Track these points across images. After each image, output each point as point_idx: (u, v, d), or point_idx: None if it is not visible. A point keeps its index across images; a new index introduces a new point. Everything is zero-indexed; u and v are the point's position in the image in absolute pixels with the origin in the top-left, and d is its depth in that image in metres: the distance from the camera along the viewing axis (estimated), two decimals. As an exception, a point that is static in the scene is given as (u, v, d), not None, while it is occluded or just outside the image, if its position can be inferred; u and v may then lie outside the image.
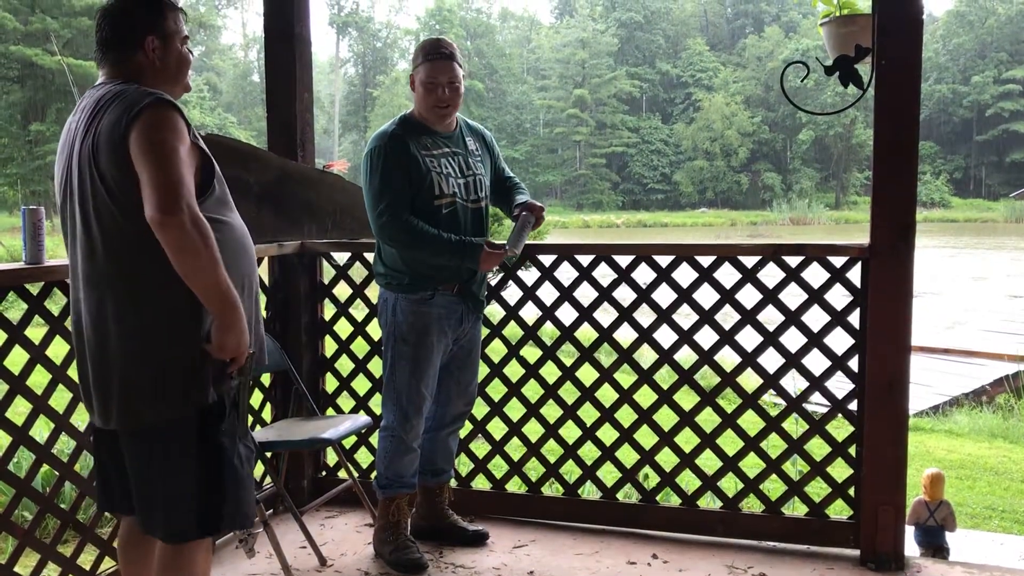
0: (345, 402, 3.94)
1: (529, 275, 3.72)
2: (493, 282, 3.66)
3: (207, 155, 2.15)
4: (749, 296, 3.36)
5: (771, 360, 3.38)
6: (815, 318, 3.28)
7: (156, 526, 2.18)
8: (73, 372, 2.81)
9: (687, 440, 3.49)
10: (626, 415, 3.53)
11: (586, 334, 3.62)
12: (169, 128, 2.02)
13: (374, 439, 3.83)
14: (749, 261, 3.36)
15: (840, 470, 3.32)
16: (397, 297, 3.14)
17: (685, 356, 3.51)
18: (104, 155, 2.04)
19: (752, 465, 3.45)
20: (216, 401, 2.15)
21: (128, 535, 2.35)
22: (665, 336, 3.48)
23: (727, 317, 3.40)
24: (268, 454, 3.29)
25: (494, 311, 3.77)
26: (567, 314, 3.58)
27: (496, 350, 3.64)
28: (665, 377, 3.63)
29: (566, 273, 3.55)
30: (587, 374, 3.57)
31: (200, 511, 2.15)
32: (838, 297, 3.23)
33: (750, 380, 3.53)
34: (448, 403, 3.33)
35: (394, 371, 3.17)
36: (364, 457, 3.89)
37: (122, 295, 2.09)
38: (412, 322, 3.12)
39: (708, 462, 3.51)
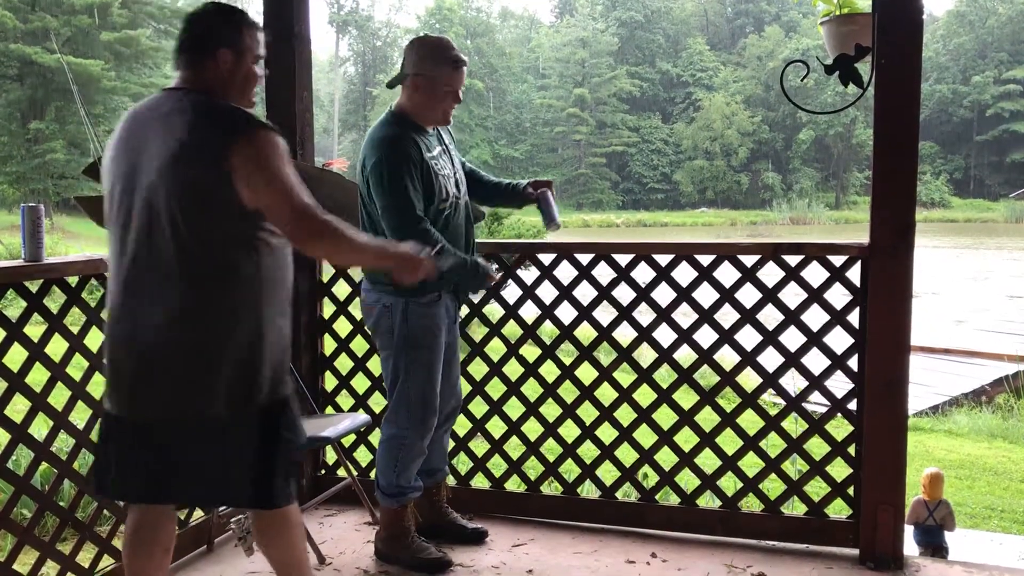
0: (344, 400, 3.93)
1: (528, 274, 3.71)
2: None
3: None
4: (749, 295, 3.36)
5: (771, 359, 3.38)
6: (815, 317, 3.28)
7: (243, 500, 2.37)
8: (72, 370, 2.82)
9: (686, 439, 3.48)
10: (625, 414, 3.52)
11: (585, 333, 3.62)
12: (275, 146, 2.20)
13: (373, 438, 3.83)
14: (749, 260, 3.36)
15: (839, 469, 3.32)
16: (407, 302, 3.04)
17: (684, 355, 3.51)
18: (197, 163, 2.13)
19: (751, 464, 3.45)
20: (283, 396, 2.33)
21: (140, 524, 2.37)
22: (664, 335, 3.48)
23: (727, 316, 3.40)
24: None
25: (493, 310, 3.77)
26: (566, 313, 3.58)
27: (495, 349, 3.64)
28: (664, 376, 3.63)
29: (565, 272, 3.55)
30: (586, 373, 3.57)
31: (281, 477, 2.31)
32: (838, 296, 3.23)
33: (750, 379, 3.53)
34: (443, 402, 3.29)
35: (408, 378, 3.09)
36: (363, 455, 3.89)
37: (205, 294, 2.18)
38: (426, 325, 3.07)
39: (707, 461, 3.51)
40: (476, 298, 3.50)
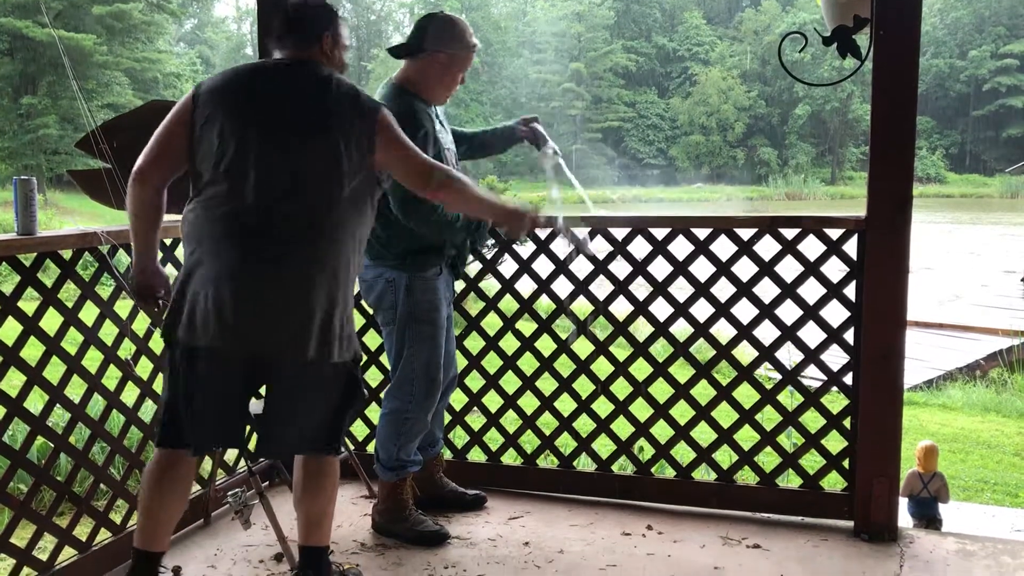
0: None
1: (525, 249, 3.70)
2: (489, 256, 3.65)
3: None
4: (745, 269, 3.36)
5: (767, 333, 3.38)
6: (811, 291, 3.28)
7: (320, 444, 2.57)
8: (67, 344, 2.81)
9: (682, 412, 3.49)
10: (621, 388, 3.53)
11: (581, 307, 3.61)
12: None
13: (370, 412, 3.83)
14: (745, 233, 3.36)
15: (835, 442, 3.33)
16: (410, 276, 3.05)
17: (681, 329, 3.51)
18: (351, 129, 2.41)
19: (747, 437, 3.46)
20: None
21: (173, 463, 2.46)
22: (661, 309, 3.48)
23: (723, 290, 3.39)
24: (263, 426, 3.28)
25: (490, 284, 3.76)
26: (562, 287, 3.57)
27: (492, 323, 3.63)
28: (660, 350, 3.63)
29: (561, 246, 3.53)
30: (582, 347, 3.57)
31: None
32: (834, 270, 3.23)
33: (746, 353, 3.53)
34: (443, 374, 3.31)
35: (414, 352, 3.10)
36: (359, 430, 3.89)
37: (346, 248, 2.43)
38: (429, 299, 3.08)
39: (703, 434, 3.52)
40: (473, 270, 3.47)
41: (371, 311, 3.29)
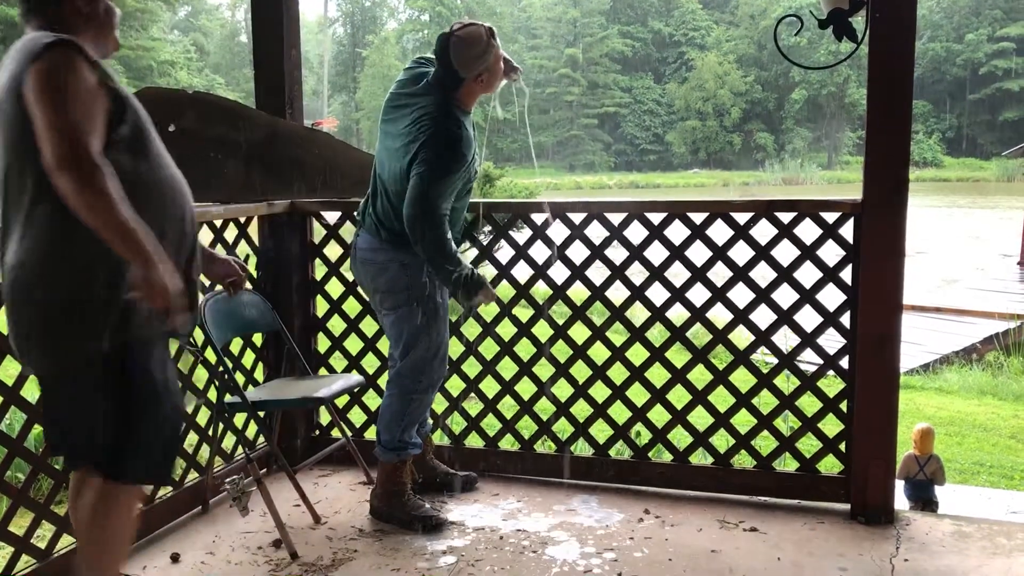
0: (337, 362, 3.93)
1: (521, 234, 3.70)
2: (485, 242, 3.64)
3: (121, 98, 2.08)
4: (742, 253, 3.36)
5: (763, 317, 3.39)
6: (807, 274, 3.27)
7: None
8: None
9: (679, 397, 3.50)
10: (618, 373, 3.53)
11: (578, 293, 3.61)
12: (67, 70, 1.96)
13: (367, 398, 3.84)
14: (742, 218, 3.35)
15: (831, 426, 3.34)
16: (417, 260, 3.07)
17: (677, 314, 3.51)
18: (9, 104, 2.00)
19: (744, 421, 3.47)
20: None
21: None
22: (657, 294, 3.47)
23: (719, 274, 3.39)
24: (261, 413, 3.29)
25: (486, 271, 3.75)
26: (559, 273, 3.57)
27: (488, 309, 3.63)
28: (657, 335, 3.64)
29: (558, 232, 3.53)
30: (579, 332, 3.57)
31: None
32: (831, 254, 3.23)
33: (742, 337, 3.54)
34: None
35: (430, 333, 3.14)
36: (357, 416, 3.90)
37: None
38: (437, 284, 3.15)
39: (700, 419, 3.53)
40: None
41: (371, 293, 3.25)
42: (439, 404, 3.62)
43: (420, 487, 3.40)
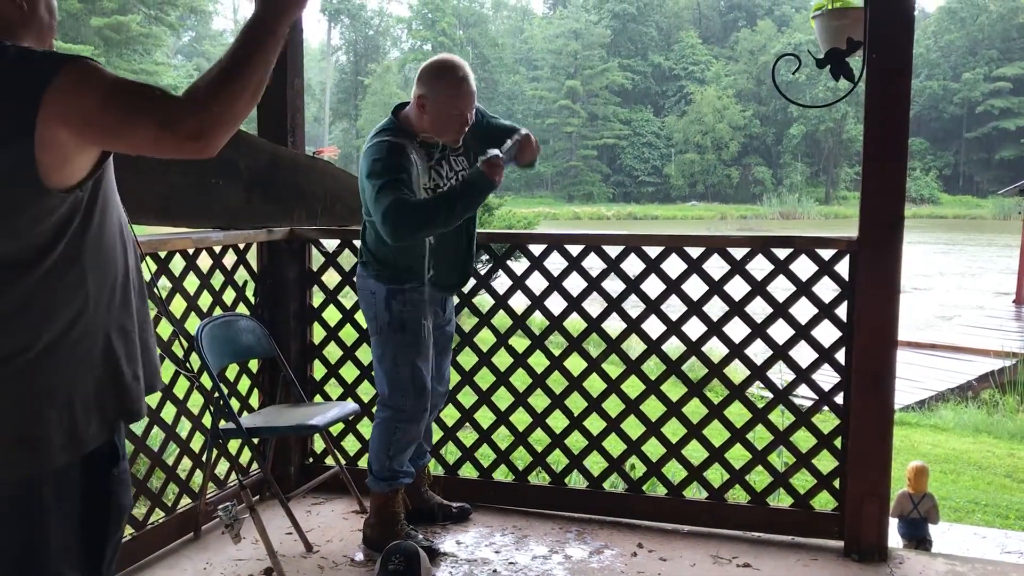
0: (333, 389, 3.93)
1: (519, 265, 3.72)
2: (483, 272, 3.66)
3: None
4: (737, 288, 3.37)
5: (758, 352, 3.40)
6: (803, 310, 3.29)
7: None
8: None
9: (674, 431, 3.50)
10: (613, 405, 3.53)
11: (575, 324, 3.62)
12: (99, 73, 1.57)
13: (363, 427, 3.83)
14: (738, 253, 3.37)
15: (825, 462, 3.34)
16: (388, 289, 3.09)
17: (673, 347, 3.52)
18: None
19: (738, 456, 3.46)
20: None
21: None
22: (653, 327, 3.49)
23: (715, 309, 3.41)
24: (255, 440, 3.28)
25: (483, 300, 3.77)
26: (556, 304, 3.58)
27: (485, 339, 3.64)
28: (653, 368, 3.64)
29: (555, 263, 3.55)
30: (575, 364, 3.58)
31: None
32: (826, 290, 3.25)
33: (737, 371, 3.55)
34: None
35: (397, 361, 3.11)
36: (351, 444, 3.89)
37: None
38: (410, 311, 3.10)
39: (694, 453, 3.53)
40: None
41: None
42: (434, 433, 3.62)
43: (413, 517, 3.39)
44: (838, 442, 3.30)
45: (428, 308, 3.18)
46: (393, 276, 3.10)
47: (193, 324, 3.28)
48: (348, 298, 3.89)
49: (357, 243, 3.32)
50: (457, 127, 3.03)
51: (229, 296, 3.62)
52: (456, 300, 3.57)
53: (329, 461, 3.78)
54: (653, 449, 3.53)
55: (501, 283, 3.74)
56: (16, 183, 1.52)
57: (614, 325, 3.58)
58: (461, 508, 3.54)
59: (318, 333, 3.91)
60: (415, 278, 3.11)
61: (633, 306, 3.51)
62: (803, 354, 3.33)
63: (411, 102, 3.08)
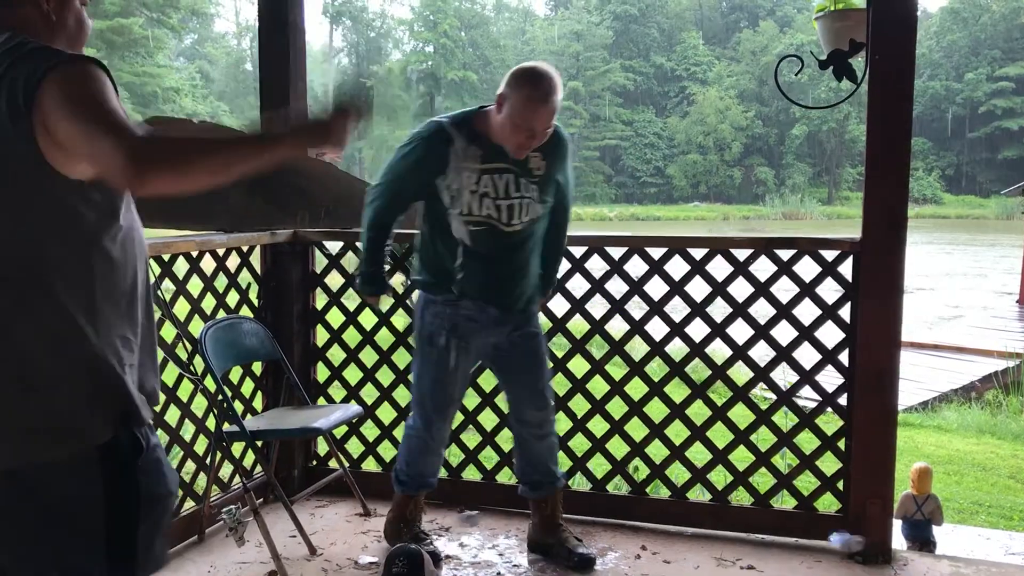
0: (336, 392, 3.93)
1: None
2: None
3: None
4: (741, 289, 3.37)
5: (762, 353, 3.39)
6: (806, 312, 3.29)
7: None
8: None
9: (677, 433, 3.50)
10: (617, 407, 3.53)
11: (578, 326, 3.62)
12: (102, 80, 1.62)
13: (365, 429, 3.84)
14: (741, 254, 3.37)
15: (829, 464, 3.33)
16: (425, 299, 3.04)
17: (676, 349, 3.52)
18: None
19: (742, 458, 3.46)
20: None
21: None
22: (657, 328, 3.49)
23: (719, 310, 3.41)
24: (259, 443, 3.29)
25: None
26: (559, 306, 3.58)
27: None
28: (656, 370, 3.64)
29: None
30: (578, 366, 3.57)
31: None
32: (829, 291, 3.24)
33: (741, 373, 3.54)
34: (516, 406, 3.17)
35: (420, 372, 3.09)
36: (355, 447, 3.89)
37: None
38: (439, 324, 2.99)
39: (698, 455, 3.53)
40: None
41: None
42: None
43: (538, 548, 3.26)
44: (842, 444, 3.29)
45: (470, 324, 2.99)
46: (425, 285, 3.04)
47: (197, 327, 3.28)
48: (351, 300, 3.89)
49: (360, 245, 3.30)
50: (521, 139, 2.80)
51: (233, 299, 3.63)
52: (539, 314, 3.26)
53: (333, 464, 3.78)
54: (656, 451, 3.52)
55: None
56: (25, 160, 1.57)
57: (617, 327, 3.58)
58: (583, 557, 3.14)
59: (321, 335, 3.92)
60: (444, 291, 2.98)
61: (636, 308, 3.51)
62: (806, 355, 3.33)
63: (490, 104, 2.90)
